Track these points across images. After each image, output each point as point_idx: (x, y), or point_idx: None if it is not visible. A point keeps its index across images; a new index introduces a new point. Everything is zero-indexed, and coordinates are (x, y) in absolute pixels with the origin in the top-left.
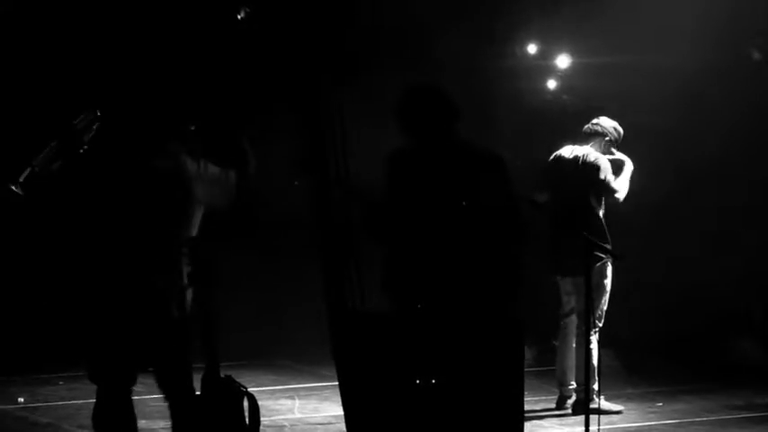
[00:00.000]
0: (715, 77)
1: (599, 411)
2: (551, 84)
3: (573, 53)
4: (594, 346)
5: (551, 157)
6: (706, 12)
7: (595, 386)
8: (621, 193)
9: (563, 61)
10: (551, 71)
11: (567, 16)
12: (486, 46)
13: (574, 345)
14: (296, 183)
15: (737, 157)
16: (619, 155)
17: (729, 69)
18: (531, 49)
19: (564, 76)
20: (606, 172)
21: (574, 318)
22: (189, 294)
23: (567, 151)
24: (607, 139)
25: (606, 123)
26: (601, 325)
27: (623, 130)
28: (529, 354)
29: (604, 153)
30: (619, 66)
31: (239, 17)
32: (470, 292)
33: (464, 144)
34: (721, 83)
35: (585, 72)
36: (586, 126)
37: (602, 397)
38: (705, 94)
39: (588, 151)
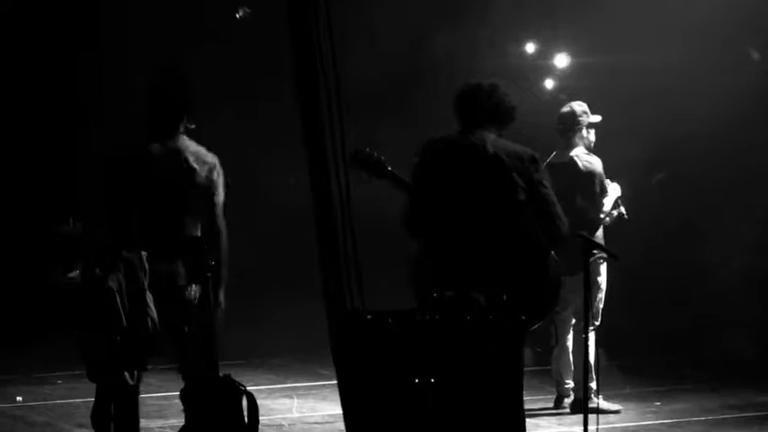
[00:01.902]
0: (716, 76)
1: (597, 411)
2: (549, 83)
3: (571, 53)
4: (591, 344)
5: (549, 161)
6: (705, 10)
7: (593, 385)
8: (601, 211)
9: (561, 61)
10: (549, 71)
11: (565, 16)
12: (483, 46)
13: (569, 343)
14: (292, 180)
15: (736, 152)
16: (610, 185)
17: (729, 67)
18: (529, 48)
19: (562, 76)
20: (599, 183)
21: (567, 316)
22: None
23: (559, 155)
24: (581, 125)
25: (566, 114)
26: (597, 323)
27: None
28: (528, 353)
29: (590, 137)
30: (617, 65)
31: (238, 16)
32: (504, 288)
33: (501, 139)
34: (721, 81)
35: (584, 72)
36: (557, 128)
37: (600, 396)
38: (704, 92)
39: (581, 152)
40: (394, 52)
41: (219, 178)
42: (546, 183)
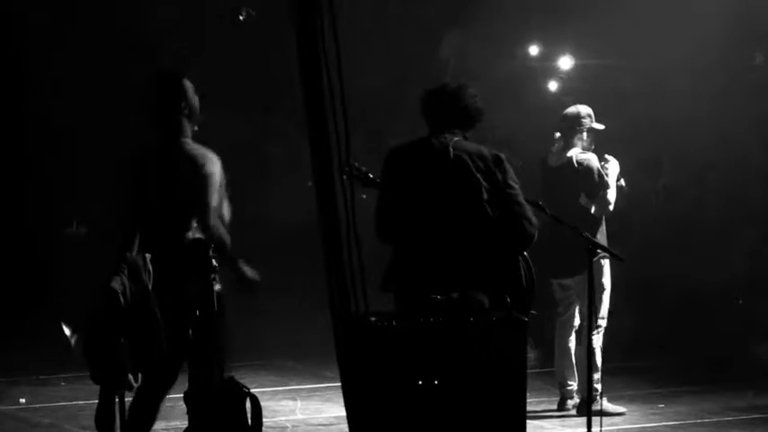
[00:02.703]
0: (720, 78)
1: (601, 413)
2: (553, 85)
3: (575, 54)
4: (598, 345)
5: (543, 162)
6: (710, 12)
7: (599, 386)
8: (611, 196)
9: (565, 63)
10: (553, 73)
11: (569, 17)
12: (487, 47)
13: (571, 345)
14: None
15: (743, 153)
16: (609, 161)
17: (734, 70)
18: (533, 50)
19: (566, 78)
20: (598, 175)
21: (570, 317)
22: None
23: (556, 155)
24: (583, 128)
25: (570, 114)
26: (605, 324)
27: (593, 112)
28: (533, 354)
29: (589, 142)
30: (620, 67)
31: (241, 18)
32: (471, 290)
33: (465, 141)
34: (726, 83)
35: (587, 73)
36: (559, 127)
37: (604, 398)
38: (711, 95)
39: (576, 152)
40: (399, 55)
41: (211, 179)
42: (513, 183)
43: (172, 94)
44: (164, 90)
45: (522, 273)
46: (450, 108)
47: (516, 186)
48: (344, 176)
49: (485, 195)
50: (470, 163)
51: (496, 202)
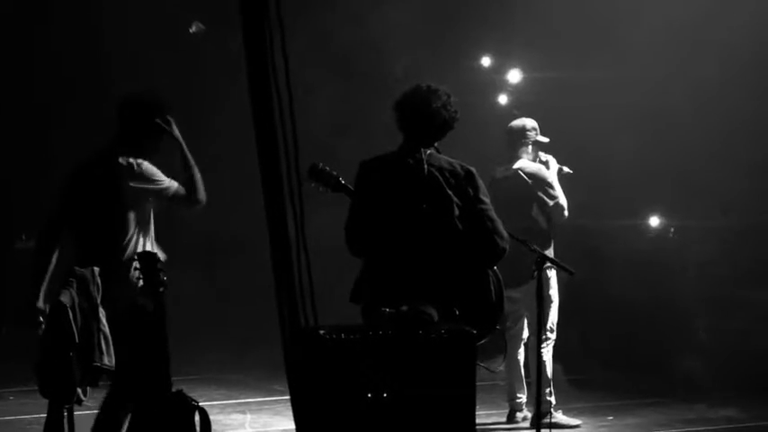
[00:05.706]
0: (671, 93)
1: (555, 425)
2: (502, 99)
3: (525, 68)
4: (548, 358)
5: (494, 176)
6: (660, 26)
7: (552, 399)
8: (563, 202)
9: (514, 76)
10: (502, 86)
11: (519, 31)
12: (437, 60)
13: (520, 357)
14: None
15: (693, 170)
16: (547, 160)
17: (685, 85)
18: (485, 62)
19: (515, 91)
20: (551, 181)
21: (518, 331)
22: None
23: (503, 169)
24: (528, 140)
25: (516, 127)
26: (554, 336)
27: (538, 124)
28: (496, 366)
29: (535, 155)
30: (570, 80)
31: (192, 31)
32: (446, 305)
33: (438, 155)
34: (677, 99)
35: (537, 87)
36: (506, 138)
37: (559, 411)
38: (660, 110)
39: (525, 164)
40: (352, 66)
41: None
42: (484, 198)
43: (146, 114)
44: (139, 110)
45: (492, 287)
46: (424, 116)
47: (487, 201)
48: (309, 176)
49: (456, 212)
50: (443, 179)
51: (467, 218)
